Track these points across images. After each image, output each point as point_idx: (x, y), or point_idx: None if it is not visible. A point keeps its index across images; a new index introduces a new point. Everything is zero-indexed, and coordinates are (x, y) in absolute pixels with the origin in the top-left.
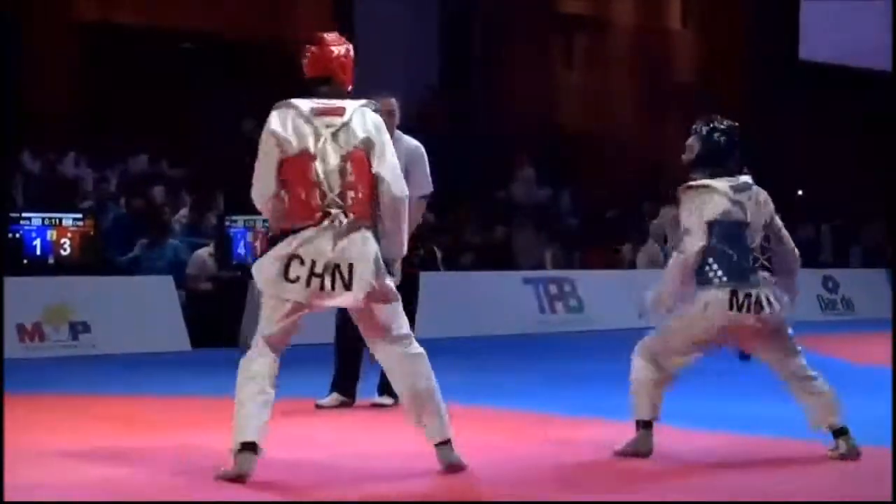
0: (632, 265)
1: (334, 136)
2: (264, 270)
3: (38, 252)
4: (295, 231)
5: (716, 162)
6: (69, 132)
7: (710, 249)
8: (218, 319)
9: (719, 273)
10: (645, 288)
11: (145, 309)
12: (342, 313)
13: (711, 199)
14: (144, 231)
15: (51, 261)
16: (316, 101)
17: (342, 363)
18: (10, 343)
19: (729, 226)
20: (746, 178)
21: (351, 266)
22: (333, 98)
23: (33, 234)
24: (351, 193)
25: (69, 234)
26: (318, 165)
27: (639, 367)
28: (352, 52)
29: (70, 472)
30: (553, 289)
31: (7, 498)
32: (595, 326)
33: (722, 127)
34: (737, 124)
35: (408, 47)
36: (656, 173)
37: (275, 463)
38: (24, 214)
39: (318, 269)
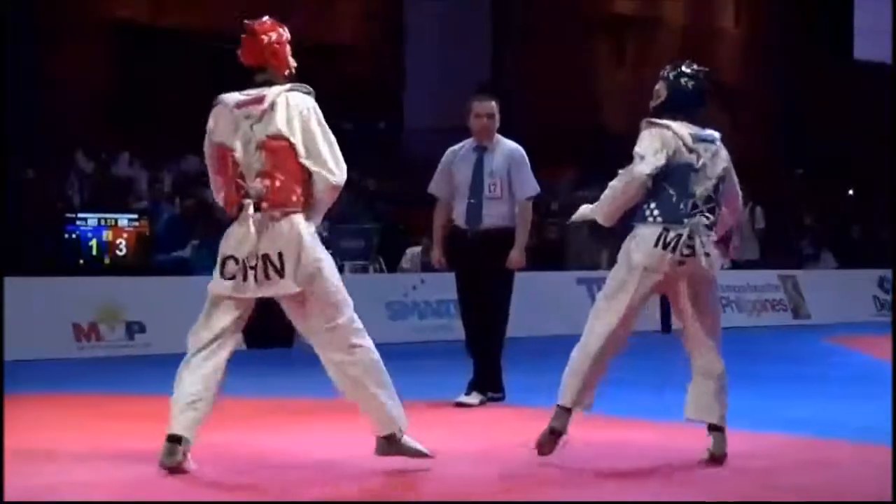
0: None
1: (252, 126)
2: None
3: (94, 252)
4: (228, 223)
5: (682, 108)
6: (122, 132)
7: (653, 189)
8: (273, 320)
9: (655, 213)
10: None
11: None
12: (466, 315)
13: (666, 137)
14: (198, 231)
15: (107, 261)
16: (243, 92)
17: (477, 361)
18: (65, 342)
19: (676, 167)
20: (713, 132)
21: (280, 255)
22: (266, 85)
23: (89, 235)
24: (266, 182)
25: (124, 235)
26: (235, 156)
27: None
28: (286, 37)
29: (121, 471)
30: None
31: (72, 498)
32: (649, 327)
33: (689, 72)
34: (706, 70)
35: (458, 45)
36: None
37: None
38: (79, 215)
39: (251, 263)
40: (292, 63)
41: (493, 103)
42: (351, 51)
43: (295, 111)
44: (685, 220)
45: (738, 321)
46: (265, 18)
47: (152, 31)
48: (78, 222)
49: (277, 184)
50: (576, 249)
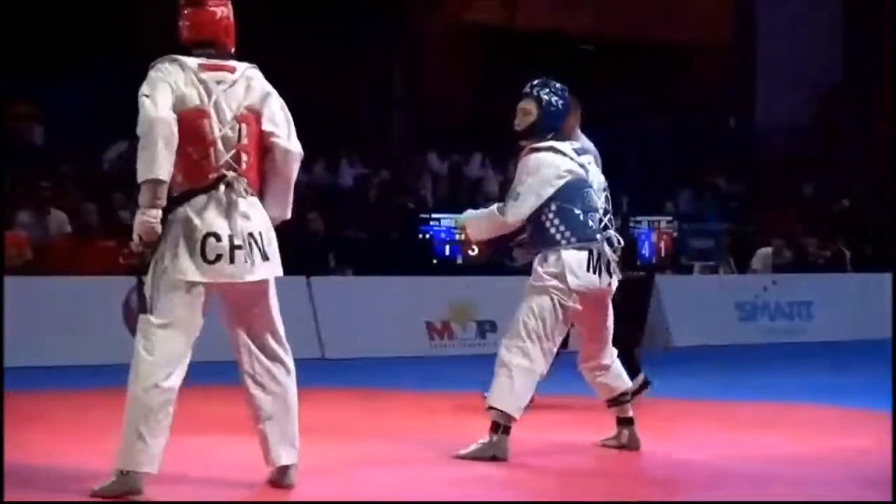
0: None
1: (226, 93)
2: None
3: (447, 252)
4: (183, 196)
5: (553, 126)
6: (474, 134)
7: (556, 210)
8: (622, 320)
9: (566, 234)
10: None
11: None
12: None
13: (556, 159)
14: None
15: (459, 261)
16: (200, 58)
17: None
18: (419, 340)
19: (575, 184)
20: (579, 143)
21: (261, 234)
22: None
23: (442, 235)
24: (245, 157)
25: (465, 234)
26: (211, 123)
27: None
28: (232, 13)
29: (454, 468)
30: None
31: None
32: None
33: (557, 88)
34: (566, 87)
35: (811, 43)
36: None
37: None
38: (433, 215)
39: (238, 241)
40: None
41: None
42: (703, 49)
43: (265, 86)
44: (597, 237)
45: None
46: None
47: (506, 34)
48: (431, 223)
49: (252, 160)
50: None
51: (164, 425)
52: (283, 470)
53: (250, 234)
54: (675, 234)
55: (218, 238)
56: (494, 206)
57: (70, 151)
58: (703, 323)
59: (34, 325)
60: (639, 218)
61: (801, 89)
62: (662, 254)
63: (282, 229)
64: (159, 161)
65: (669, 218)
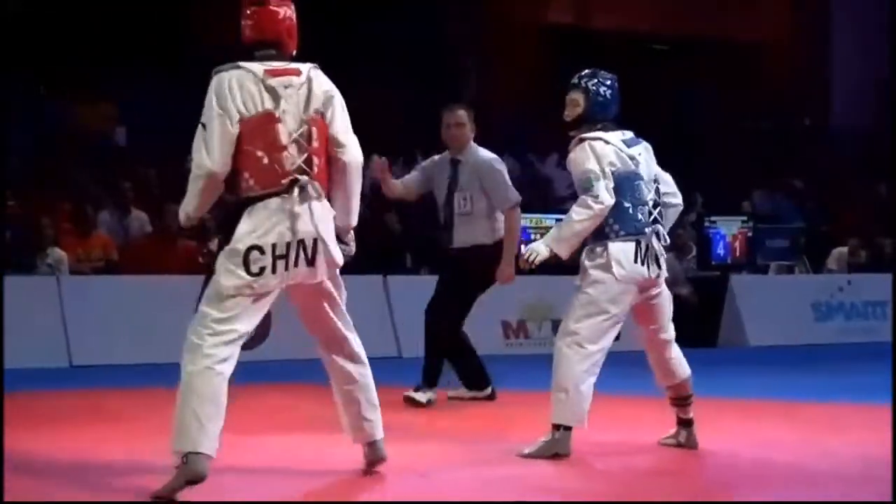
0: None
1: (294, 97)
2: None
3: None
4: (255, 199)
5: (602, 116)
6: (545, 135)
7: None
8: (696, 319)
9: (615, 227)
10: None
11: None
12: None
13: (606, 149)
14: None
15: None
16: (264, 63)
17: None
18: (494, 339)
19: (626, 177)
20: (630, 133)
21: (316, 241)
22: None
23: None
24: (316, 160)
25: (541, 235)
26: (282, 128)
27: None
28: (294, 15)
29: (518, 468)
30: None
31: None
32: None
33: (605, 77)
34: (615, 76)
35: (887, 42)
36: None
37: None
38: None
39: (280, 251)
40: None
41: (462, 112)
42: (779, 48)
43: (328, 87)
44: (646, 231)
45: None
46: None
47: (573, 33)
48: None
49: (323, 163)
50: None
51: (219, 410)
52: (374, 444)
53: (300, 242)
54: (749, 234)
55: (261, 251)
56: (584, 201)
57: (152, 152)
58: (778, 323)
59: (116, 324)
60: (713, 218)
61: (876, 88)
62: (737, 254)
63: (359, 230)
64: (196, 205)
65: (744, 218)
